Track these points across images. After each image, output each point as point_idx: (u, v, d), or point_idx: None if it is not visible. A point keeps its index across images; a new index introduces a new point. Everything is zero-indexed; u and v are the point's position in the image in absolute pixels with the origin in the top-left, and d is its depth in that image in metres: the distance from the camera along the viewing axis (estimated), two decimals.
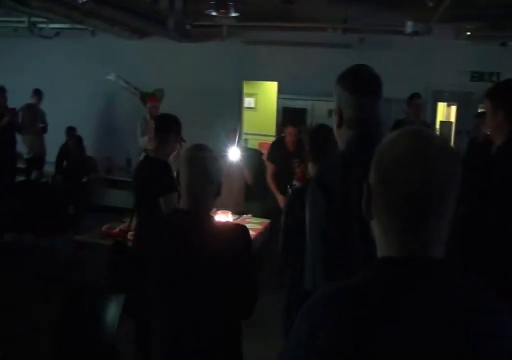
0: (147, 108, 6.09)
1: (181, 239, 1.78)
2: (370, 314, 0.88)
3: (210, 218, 1.90)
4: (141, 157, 3.58)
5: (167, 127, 3.19)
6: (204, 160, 1.89)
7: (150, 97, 6.32)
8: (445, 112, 7.72)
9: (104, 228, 4.22)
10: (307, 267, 1.57)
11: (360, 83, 1.58)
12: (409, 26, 4.77)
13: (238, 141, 4.78)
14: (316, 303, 0.96)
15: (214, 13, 4.75)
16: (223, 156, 4.64)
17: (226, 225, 1.92)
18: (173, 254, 1.78)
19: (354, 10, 5.40)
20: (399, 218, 0.92)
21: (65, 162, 6.65)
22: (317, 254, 1.53)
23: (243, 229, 1.87)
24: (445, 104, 7.04)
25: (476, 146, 4.51)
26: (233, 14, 4.73)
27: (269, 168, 4.93)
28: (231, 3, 4.61)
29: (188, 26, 6.03)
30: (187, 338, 1.79)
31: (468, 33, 5.62)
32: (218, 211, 4.45)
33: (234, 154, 4.62)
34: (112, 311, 2.67)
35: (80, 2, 4.29)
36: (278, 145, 5.00)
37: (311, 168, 2.69)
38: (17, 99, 6.57)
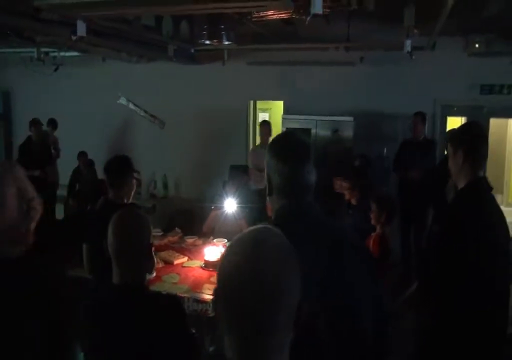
0: None
1: (115, 320, 1.79)
2: None
3: (142, 292, 1.89)
4: (99, 202, 3.14)
5: (123, 172, 3.08)
6: (130, 229, 1.86)
7: None
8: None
9: None
10: None
11: (286, 150, 1.58)
12: (408, 44, 4.60)
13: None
14: None
15: (207, 42, 4.74)
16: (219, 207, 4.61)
17: (157, 297, 1.96)
18: (109, 335, 1.79)
19: (356, 27, 5.28)
20: (235, 334, 0.93)
21: (77, 186, 6.81)
22: None
23: (174, 299, 1.97)
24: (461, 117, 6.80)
25: None
26: (227, 42, 4.70)
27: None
28: (223, 32, 4.59)
29: (192, 50, 6.04)
30: None
31: (477, 46, 5.40)
32: (214, 240, 4.39)
33: (230, 206, 4.55)
34: None
35: (73, 39, 4.31)
36: None
37: None
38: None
